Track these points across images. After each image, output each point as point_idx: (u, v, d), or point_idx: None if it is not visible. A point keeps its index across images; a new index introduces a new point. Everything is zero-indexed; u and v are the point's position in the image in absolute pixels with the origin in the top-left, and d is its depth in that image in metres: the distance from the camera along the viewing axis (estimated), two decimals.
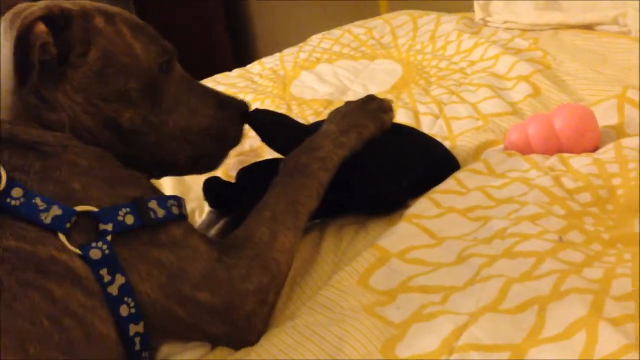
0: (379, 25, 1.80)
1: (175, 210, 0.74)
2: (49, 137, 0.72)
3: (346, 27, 1.85)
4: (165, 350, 0.74)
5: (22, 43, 0.71)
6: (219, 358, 0.73)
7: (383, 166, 0.89)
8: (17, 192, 0.66)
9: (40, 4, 0.74)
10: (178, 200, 0.75)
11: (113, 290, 0.67)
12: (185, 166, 0.87)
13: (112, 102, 0.78)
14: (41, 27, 0.72)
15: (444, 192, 0.87)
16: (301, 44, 1.83)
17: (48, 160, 0.70)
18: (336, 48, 1.73)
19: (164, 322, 0.71)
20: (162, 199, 0.74)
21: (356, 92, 1.42)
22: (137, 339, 0.69)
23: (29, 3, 0.75)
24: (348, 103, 0.95)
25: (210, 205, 0.99)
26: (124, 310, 0.67)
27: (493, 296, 0.65)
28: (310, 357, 0.65)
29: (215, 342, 0.74)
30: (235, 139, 0.90)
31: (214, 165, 0.91)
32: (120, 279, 0.67)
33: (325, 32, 1.85)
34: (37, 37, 0.72)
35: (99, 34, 0.78)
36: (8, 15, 0.74)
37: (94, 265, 0.66)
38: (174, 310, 0.71)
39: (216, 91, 0.90)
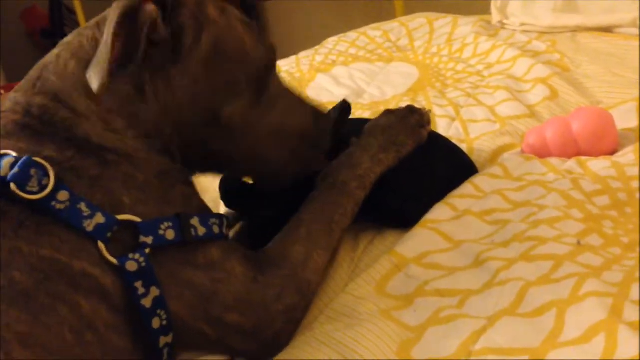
0: (395, 28, 1.80)
1: (216, 229, 0.73)
2: (119, 144, 0.71)
3: (362, 29, 1.85)
4: (183, 356, 0.74)
5: (129, 21, 0.68)
6: None
7: (408, 181, 0.88)
8: (63, 195, 0.65)
9: None
10: (220, 219, 0.74)
11: (146, 302, 0.66)
12: (269, 172, 0.85)
13: (219, 93, 0.76)
14: (151, 6, 0.70)
15: (461, 197, 0.86)
16: (317, 47, 1.83)
17: (106, 169, 0.69)
18: (352, 51, 1.73)
19: (188, 336, 0.70)
20: (205, 216, 0.72)
21: (372, 95, 1.42)
22: (166, 350, 0.69)
23: None
24: (388, 114, 0.93)
25: (227, 205, 0.99)
26: (155, 323, 0.66)
27: (511, 299, 0.65)
28: None
29: (237, 356, 0.74)
30: (324, 149, 0.87)
31: (287, 182, 0.86)
32: (155, 292, 0.66)
33: (341, 35, 1.85)
34: (148, 15, 0.70)
35: (212, 23, 0.76)
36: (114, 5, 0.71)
37: (129, 277, 0.65)
38: (201, 327, 0.70)
39: (310, 99, 0.88)
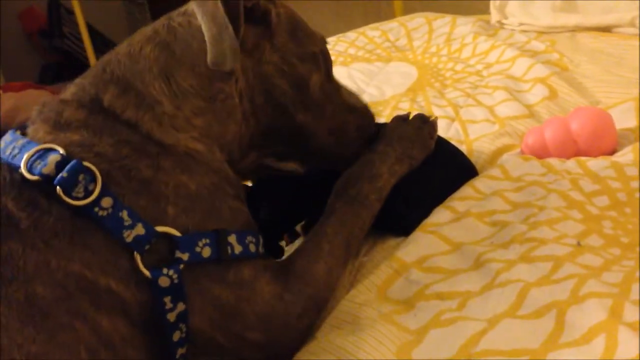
0: (394, 28, 1.80)
1: (252, 247, 0.71)
2: (182, 142, 0.71)
3: (361, 29, 1.85)
4: None
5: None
6: None
7: (414, 187, 0.87)
8: (106, 202, 0.64)
9: None
10: (256, 237, 0.73)
11: (171, 317, 0.65)
12: (341, 150, 0.87)
13: (305, 63, 0.81)
14: None
15: (461, 200, 0.86)
16: None
17: (159, 172, 0.68)
18: (351, 51, 1.73)
19: (202, 346, 0.69)
20: (242, 234, 0.71)
21: (371, 95, 1.42)
22: None
23: None
24: (402, 122, 0.92)
25: None
26: (176, 336, 0.66)
27: (511, 301, 0.65)
28: None
29: None
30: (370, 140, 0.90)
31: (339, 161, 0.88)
32: (181, 307, 0.65)
33: (340, 35, 1.85)
34: None
35: (279, 4, 0.81)
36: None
37: (159, 291, 0.64)
38: (217, 339, 0.69)
39: None
